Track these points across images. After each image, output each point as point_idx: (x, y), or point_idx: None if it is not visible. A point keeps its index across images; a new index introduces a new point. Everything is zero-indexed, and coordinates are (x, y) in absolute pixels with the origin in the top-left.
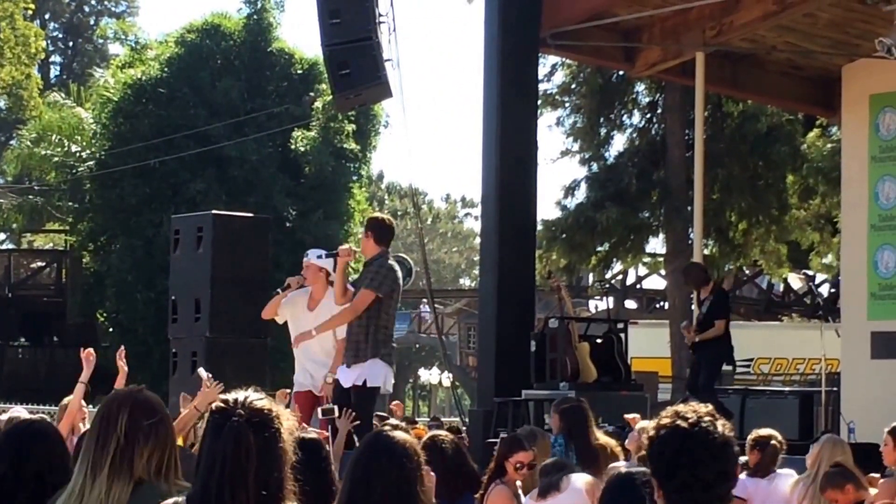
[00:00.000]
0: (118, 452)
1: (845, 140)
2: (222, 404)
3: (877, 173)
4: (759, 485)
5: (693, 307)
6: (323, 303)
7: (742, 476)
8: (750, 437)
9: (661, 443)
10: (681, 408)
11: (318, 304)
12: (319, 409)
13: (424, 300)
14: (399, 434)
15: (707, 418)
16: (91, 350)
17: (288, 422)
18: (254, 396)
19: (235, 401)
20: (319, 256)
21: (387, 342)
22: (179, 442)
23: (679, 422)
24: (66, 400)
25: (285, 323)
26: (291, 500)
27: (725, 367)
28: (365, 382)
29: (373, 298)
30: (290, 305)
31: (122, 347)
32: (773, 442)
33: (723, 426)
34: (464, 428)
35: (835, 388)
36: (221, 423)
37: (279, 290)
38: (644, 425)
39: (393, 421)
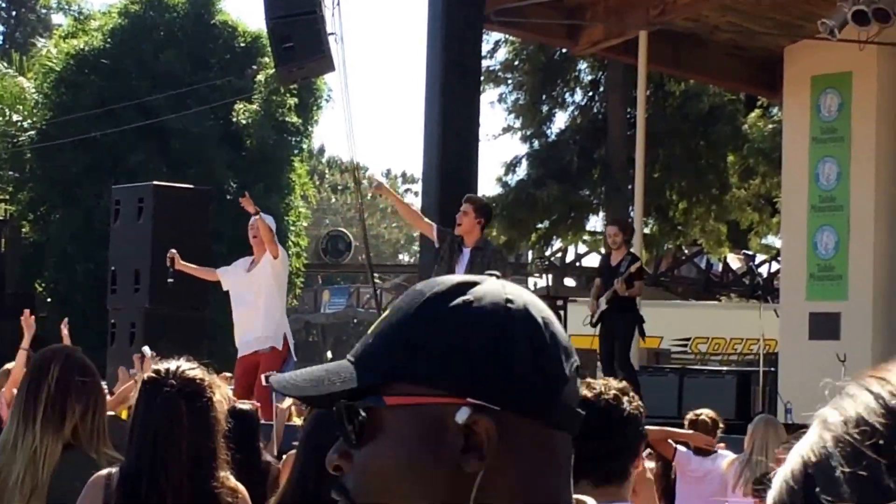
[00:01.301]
0: (49, 402)
1: (786, 121)
2: (154, 374)
3: (817, 154)
4: (704, 463)
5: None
6: (261, 264)
7: (690, 453)
8: (688, 416)
9: None
10: (590, 381)
11: (257, 265)
12: (263, 377)
13: (363, 275)
14: None
15: (612, 391)
16: (29, 312)
17: (220, 391)
18: (186, 366)
19: (167, 371)
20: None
21: None
22: (123, 415)
23: (585, 391)
24: (8, 365)
25: (223, 295)
26: (224, 470)
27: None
28: None
29: None
30: (230, 274)
31: (66, 319)
32: (709, 421)
33: (629, 402)
34: None
35: (772, 369)
36: (154, 393)
37: None
38: None
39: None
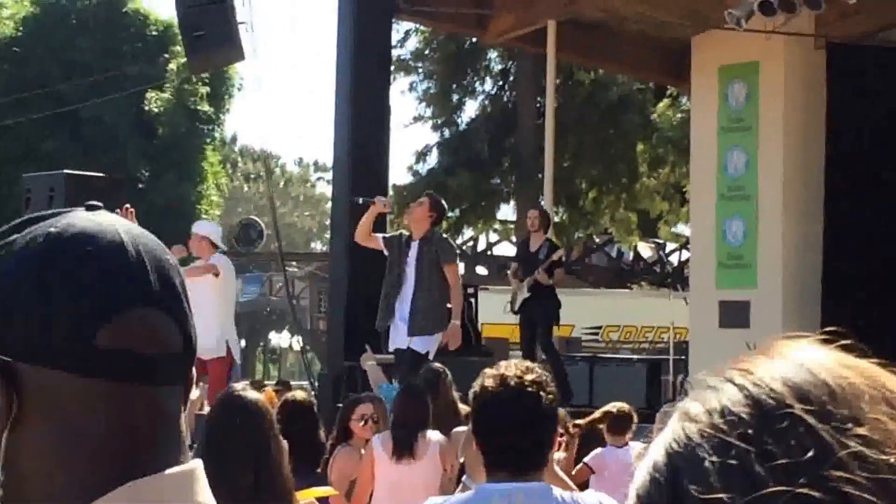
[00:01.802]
0: None
1: (695, 110)
2: None
3: (725, 143)
4: (617, 454)
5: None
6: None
7: (604, 452)
8: (602, 409)
9: (482, 404)
10: (508, 371)
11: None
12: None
13: (276, 263)
14: (251, 393)
15: (531, 387)
16: None
17: None
18: None
19: None
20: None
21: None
22: None
23: (502, 387)
24: None
25: None
26: None
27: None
28: (428, 353)
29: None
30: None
31: None
32: (623, 414)
33: (547, 395)
34: (313, 392)
35: (683, 357)
36: None
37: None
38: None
39: (241, 383)
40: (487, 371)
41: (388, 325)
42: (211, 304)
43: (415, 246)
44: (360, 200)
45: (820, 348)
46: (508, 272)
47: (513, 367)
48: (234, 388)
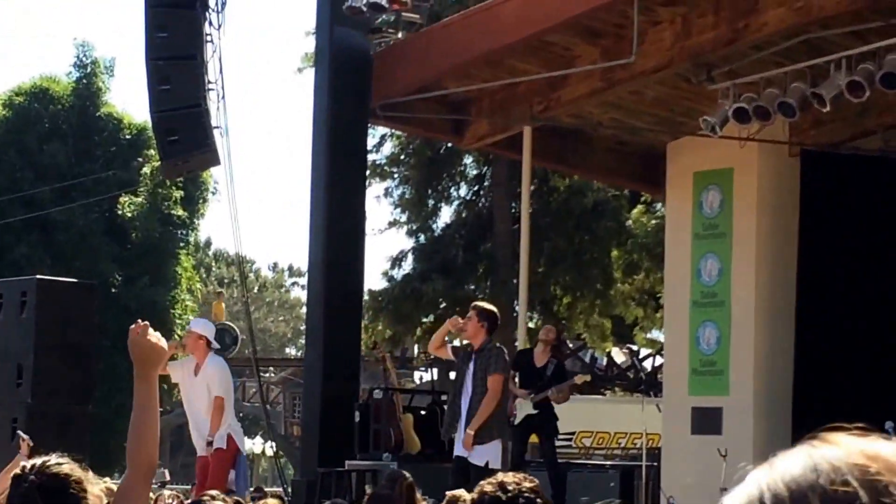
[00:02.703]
0: None
1: (669, 217)
2: (19, 469)
3: (700, 250)
4: None
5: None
6: (205, 368)
7: None
8: None
9: None
10: (507, 478)
11: (201, 368)
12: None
13: (250, 368)
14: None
15: (528, 494)
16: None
17: (92, 487)
18: (53, 461)
19: (32, 465)
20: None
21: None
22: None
23: (500, 491)
24: None
25: (107, 389)
26: None
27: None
28: (487, 464)
29: (503, 381)
30: (179, 368)
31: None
32: None
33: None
34: (287, 498)
35: (655, 463)
36: (16, 488)
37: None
38: (458, 494)
39: (213, 492)
40: (485, 480)
41: (453, 434)
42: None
43: (473, 357)
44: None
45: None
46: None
47: (511, 476)
48: (202, 497)
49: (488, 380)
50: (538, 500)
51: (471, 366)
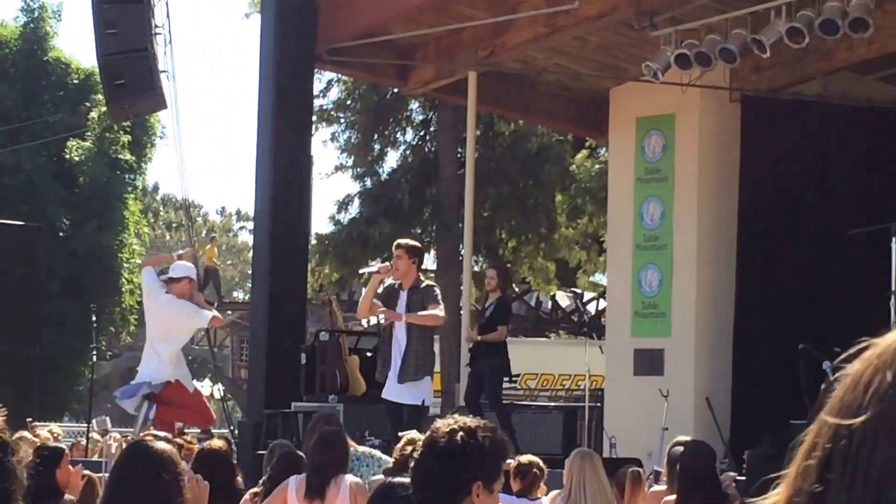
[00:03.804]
0: None
1: (612, 161)
2: None
3: (642, 194)
4: None
5: (463, 324)
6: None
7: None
8: (512, 464)
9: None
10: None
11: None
12: None
13: None
14: (159, 444)
15: (483, 432)
16: None
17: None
18: None
19: None
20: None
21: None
22: None
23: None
24: None
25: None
26: None
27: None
28: (423, 402)
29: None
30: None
31: None
32: (534, 470)
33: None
34: (233, 440)
35: (598, 404)
36: None
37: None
38: (414, 437)
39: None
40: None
41: (387, 374)
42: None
43: (403, 295)
44: (366, 273)
45: None
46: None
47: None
48: (142, 437)
49: (430, 309)
50: (492, 434)
51: (401, 304)
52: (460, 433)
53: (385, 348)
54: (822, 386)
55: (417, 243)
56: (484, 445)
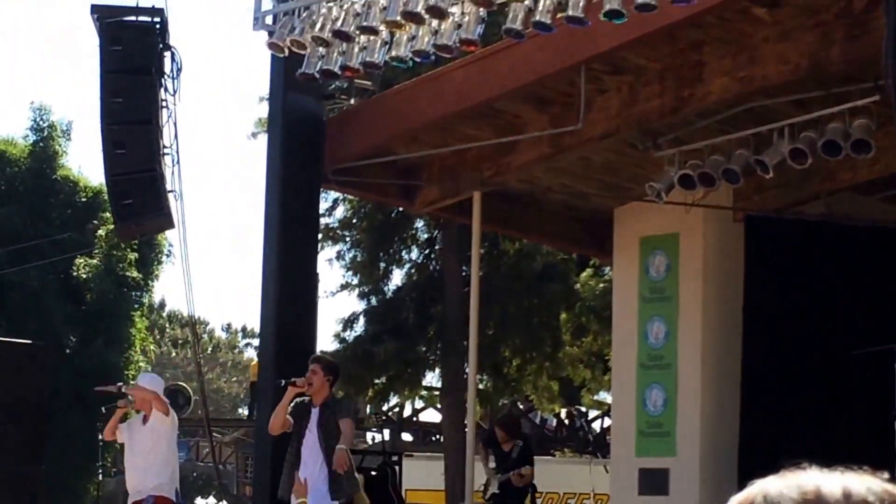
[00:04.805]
0: None
1: (616, 280)
2: None
3: (647, 313)
4: None
5: (468, 443)
6: (154, 418)
7: None
8: None
9: None
10: None
11: (149, 419)
12: None
13: (203, 429)
14: None
15: None
16: None
17: None
18: None
19: None
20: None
21: None
22: None
23: None
24: None
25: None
26: None
27: None
28: None
29: (352, 424)
30: (126, 430)
31: None
32: None
33: None
34: None
35: None
36: None
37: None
38: None
39: None
40: None
41: (290, 497)
42: (168, 442)
43: (315, 412)
44: (283, 382)
45: None
46: (478, 457)
47: None
48: None
49: (340, 423)
50: None
51: (313, 420)
52: None
53: (290, 465)
54: None
55: (335, 361)
56: None
